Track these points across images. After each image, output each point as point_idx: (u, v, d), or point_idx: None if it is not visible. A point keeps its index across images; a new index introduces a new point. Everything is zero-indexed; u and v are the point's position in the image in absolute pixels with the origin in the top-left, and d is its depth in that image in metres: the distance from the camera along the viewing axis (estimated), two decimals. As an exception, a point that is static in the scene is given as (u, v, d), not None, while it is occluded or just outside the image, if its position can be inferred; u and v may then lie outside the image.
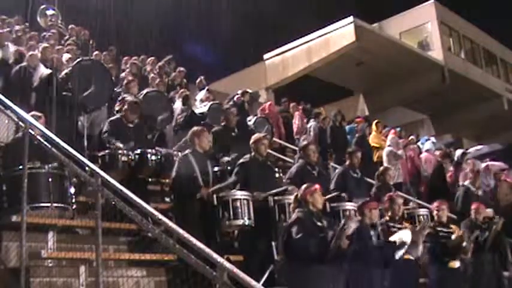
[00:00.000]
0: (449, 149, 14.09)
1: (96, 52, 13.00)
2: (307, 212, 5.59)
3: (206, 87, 13.85)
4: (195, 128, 7.21)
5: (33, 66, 9.65)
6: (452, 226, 7.80)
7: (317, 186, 5.84)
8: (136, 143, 7.73)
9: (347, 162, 8.69)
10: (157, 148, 7.92)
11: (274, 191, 6.91)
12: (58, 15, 15.29)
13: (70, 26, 15.02)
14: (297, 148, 12.40)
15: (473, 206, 8.32)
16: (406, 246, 6.31)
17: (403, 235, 6.42)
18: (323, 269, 5.38)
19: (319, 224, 5.56)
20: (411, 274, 6.87)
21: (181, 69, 14.32)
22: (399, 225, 6.88)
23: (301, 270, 5.40)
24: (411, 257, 6.79)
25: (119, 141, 7.50)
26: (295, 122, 13.90)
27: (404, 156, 12.13)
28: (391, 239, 6.42)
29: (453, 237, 7.37)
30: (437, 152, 13.44)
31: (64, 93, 8.53)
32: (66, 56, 11.44)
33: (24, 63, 9.69)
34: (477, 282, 7.77)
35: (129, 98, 9.39)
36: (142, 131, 8.28)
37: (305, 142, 8.31)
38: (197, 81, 14.19)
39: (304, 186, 5.80)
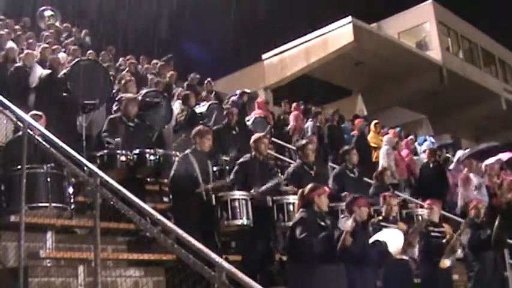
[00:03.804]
0: (441, 150, 14.14)
1: (90, 51, 13.00)
2: (311, 212, 5.59)
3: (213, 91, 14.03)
4: (199, 128, 7.18)
5: (29, 66, 9.63)
6: (444, 225, 7.80)
7: (326, 188, 5.85)
8: (137, 142, 7.75)
9: (344, 162, 8.67)
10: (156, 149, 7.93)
11: (268, 184, 6.89)
12: (57, 15, 15.33)
13: (71, 27, 15.05)
14: (292, 147, 12.45)
15: (472, 204, 8.32)
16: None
17: (393, 236, 6.39)
18: (328, 269, 5.38)
19: (322, 223, 5.56)
20: (405, 274, 6.86)
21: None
22: (392, 225, 6.85)
23: (306, 270, 5.40)
24: (405, 257, 6.79)
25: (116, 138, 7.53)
26: (291, 122, 13.86)
27: None
28: (377, 236, 6.39)
29: (448, 237, 7.34)
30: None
31: (64, 94, 8.55)
32: (64, 56, 11.44)
33: (20, 63, 9.68)
34: (479, 281, 7.77)
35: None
36: (143, 131, 8.29)
37: (303, 142, 8.29)
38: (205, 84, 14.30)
39: (311, 186, 5.77)
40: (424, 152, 13.39)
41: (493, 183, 10.97)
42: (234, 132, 9.55)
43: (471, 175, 11.15)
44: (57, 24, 15.01)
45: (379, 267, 6.23)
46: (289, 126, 13.60)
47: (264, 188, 6.91)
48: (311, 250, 5.28)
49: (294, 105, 14.64)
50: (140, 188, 7.65)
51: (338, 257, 5.32)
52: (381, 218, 7.06)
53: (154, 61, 14.80)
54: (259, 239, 6.82)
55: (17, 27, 13.61)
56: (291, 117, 13.89)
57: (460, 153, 12.89)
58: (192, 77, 14.27)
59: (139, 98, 9.36)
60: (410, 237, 6.58)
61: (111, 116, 8.21)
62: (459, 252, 7.44)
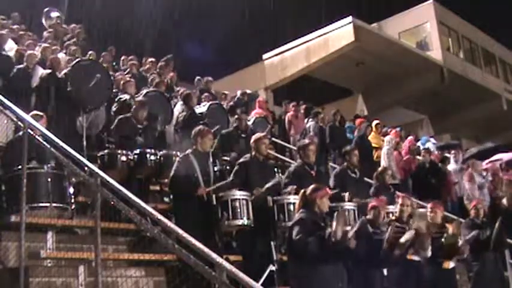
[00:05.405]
0: (443, 150, 14.12)
1: (91, 52, 13.02)
2: (311, 212, 5.58)
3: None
4: (200, 128, 7.17)
5: (31, 67, 9.66)
6: (448, 225, 7.78)
7: (328, 190, 5.84)
8: (144, 144, 7.79)
9: (345, 162, 8.67)
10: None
11: (269, 184, 6.91)
12: (62, 17, 15.42)
13: (72, 26, 15.09)
14: (293, 147, 12.46)
15: (472, 204, 8.33)
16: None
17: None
18: (328, 269, 5.37)
19: (322, 224, 5.55)
20: (417, 275, 6.84)
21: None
22: (405, 226, 6.84)
23: (306, 270, 5.39)
24: (415, 258, 6.78)
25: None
26: (286, 122, 13.86)
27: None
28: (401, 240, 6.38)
29: (445, 235, 7.32)
30: (436, 152, 13.50)
31: (63, 93, 8.55)
32: (64, 57, 11.45)
33: (22, 65, 9.69)
34: (479, 281, 7.76)
35: (126, 97, 9.46)
36: (152, 133, 8.38)
37: (305, 142, 8.29)
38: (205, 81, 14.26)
39: (313, 186, 5.76)
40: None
41: (495, 183, 10.99)
42: (243, 135, 9.60)
43: (474, 174, 11.18)
44: (64, 26, 15.10)
45: (386, 267, 6.24)
46: (291, 132, 13.59)
47: (264, 188, 6.90)
48: (307, 250, 5.27)
49: (290, 105, 14.53)
50: (142, 188, 7.67)
51: (340, 258, 5.32)
52: (394, 218, 7.07)
53: (151, 59, 14.71)
54: (259, 239, 6.82)
55: (15, 26, 13.61)
56: (286, 120, 13.87)
57: (452, 155, 12.87)
58: (207, 81, 14.23)
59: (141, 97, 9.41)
60: (422, 238, 6.57)
61: (122, 116, 8.27)
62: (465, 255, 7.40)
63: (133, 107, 8.34)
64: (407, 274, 6.59)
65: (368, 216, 6.69)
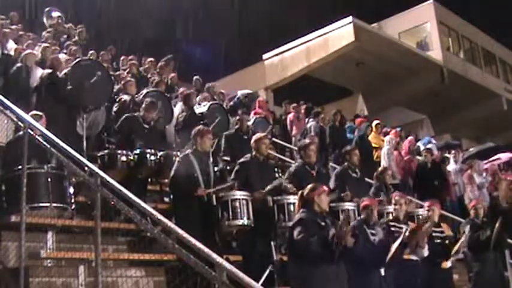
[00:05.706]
0: (443, 150, 14.13)
1: (92, 51, 13.02)
2: (311, 212, 5.57)
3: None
4: (199, 128, 7.17)
5: (29, 66, 9.66)
6: (442, 225, 7.79)
7: (325, 187, 5.83)
8: (150, 144, 7.80)
9: (346, 162, 8.67)
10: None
11: (270, 186, 6.91)
12: (63, 16, 15.45)
13: (69, 25, 15.10)
14: (293, 147, 12.46)
15: (471, 204, 8.33)
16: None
17: None
18: (328, 269, 5.37)
19: (322, 223, 5.54)
20: (414, 275, 6.85)
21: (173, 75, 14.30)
22: (402, 225, 6.84)
23: (306, 270, 5.39)
24: (413, 257, 6.78)
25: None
26: (288, 123, 13.86)
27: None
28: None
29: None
30: (436, 152, 13.50)
31: (64, 93, 8.55)
32: (64, 57, 11.45)
33: (20, 64, 9.70)
34: (479, 281, 7.77)
35: (126, 97, 9.46)
36: (158, 133, 8.37)
37: (306, 141, 8.29)
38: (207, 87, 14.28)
39: (310, 186, 5.75)
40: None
41: (494, 183, 11.00)
42: (245, 137, 9.61)
43: (474, 175, 11.18)
44: (65, 25, 15.12)
45: (384, 267, 6.25)
46: (293, 133, 13.60)
47: (266, 190, 6.91)
48: (309, 250, 5.27)
49: (290, 106, 14.50)
50: (142, 188, 7.67)
51: (338, 257, 5.32)
52: (390, 218, 7.06)
53: (151, 59, 14.73)
54: (259, 239, 6.82)
55: (14, 27, 13.62)
56: (288, 121, 13.85)
57: (452, 155, 12.88)
58: (210, 86, 14.28)
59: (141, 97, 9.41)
60: (419, 237, 6.57)
61: (129, 114, 8.27)
62: (460, 253, 7.44)
63: (143, 105, 8.34)
64: (404, 274, 6.59)
65: (362, 216, 6.70)
